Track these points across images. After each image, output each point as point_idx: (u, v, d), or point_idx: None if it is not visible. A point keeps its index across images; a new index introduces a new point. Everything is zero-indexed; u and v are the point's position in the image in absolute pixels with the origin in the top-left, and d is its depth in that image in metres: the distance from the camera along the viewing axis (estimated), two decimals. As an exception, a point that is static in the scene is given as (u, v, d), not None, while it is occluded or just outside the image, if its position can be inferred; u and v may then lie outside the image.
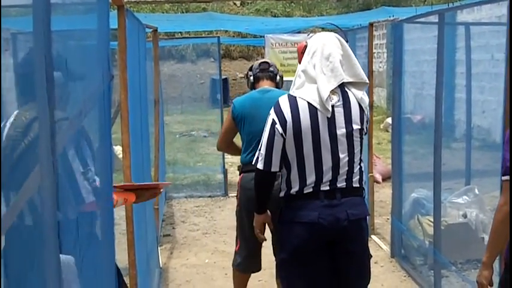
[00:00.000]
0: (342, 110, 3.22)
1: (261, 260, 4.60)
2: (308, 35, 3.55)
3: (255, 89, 4.49)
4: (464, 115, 7.32)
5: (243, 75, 23.82)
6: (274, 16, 22.53)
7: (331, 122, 3.19)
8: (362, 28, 8.03)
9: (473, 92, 7.17)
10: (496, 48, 10.93)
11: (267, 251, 4.58)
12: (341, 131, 3.21)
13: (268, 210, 3.59)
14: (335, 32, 3.73)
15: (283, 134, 3.21)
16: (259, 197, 3.52)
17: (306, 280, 3.30)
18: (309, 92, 3.22)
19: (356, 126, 3.24)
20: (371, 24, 6.84)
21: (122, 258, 3.94)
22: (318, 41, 3.31)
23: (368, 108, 3.36)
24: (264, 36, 9.71)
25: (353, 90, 3.27)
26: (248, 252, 4.52)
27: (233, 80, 23.26)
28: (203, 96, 19.94)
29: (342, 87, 3.24)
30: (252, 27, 11.36)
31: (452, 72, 11.07)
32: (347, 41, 3.45)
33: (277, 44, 9.38)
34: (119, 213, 3.84)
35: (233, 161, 11.62)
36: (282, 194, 3.35)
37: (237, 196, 4.58)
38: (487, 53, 11.33)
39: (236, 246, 4.60)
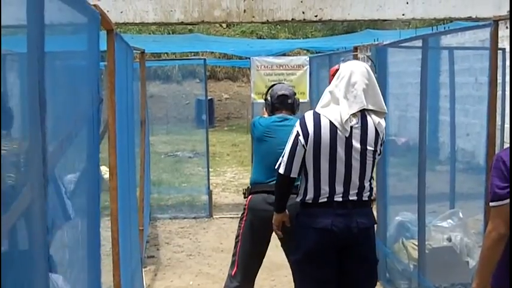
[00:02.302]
0: (359, 132, 3.55)
1: (254, 285, 4.59)
2: (342, 60, 3.82)
3: (273, 114, 4.67)
4: (448, 138, 7.36)
5: (228, 96, 23.91)
6: (260, 38, 22.67)
7: (348, 141, 3.53)
8: (347, 51, 8.10)
9: (457, 115, 7.21)
10: (479, 71, 11.04)
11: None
12: (356, 150, 3.54)
13: (286, 210, 3.89)
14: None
15: (305, 145, 3.55)
16: (279, 198, 3.86)
17: (316, 280, 3.62)
18: (333, 111, 3.56)
19: (370, 148, 3.57)
20: (356, 48, 6.89)
21: (106, 279, 3.90)
22: (348, 67, 3.65)
23: (384, 132, 3.67)
24: (249, 58, 9.78)
25: (372, 115, 3.61)
26: (246, 277, 4.47)
27: (218, 100, 23.31)
28: (188, 117, 19.93)
29: (363, 112, 3.58)
30: (238, 48, 11.43)
31: (436, 95, 11.15)
32: (375, 72, 3.82)
33: (262, 66, 9.44)
34: (103, 234, 3.81)
35: (217, 182, 11.62)
36: (298, 199, 3.68)
37: (242, 219, 4.52)
38: (471, 76, 11.44)
39: (232, 270, 4.51)
